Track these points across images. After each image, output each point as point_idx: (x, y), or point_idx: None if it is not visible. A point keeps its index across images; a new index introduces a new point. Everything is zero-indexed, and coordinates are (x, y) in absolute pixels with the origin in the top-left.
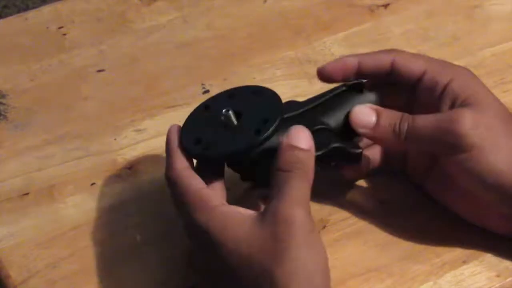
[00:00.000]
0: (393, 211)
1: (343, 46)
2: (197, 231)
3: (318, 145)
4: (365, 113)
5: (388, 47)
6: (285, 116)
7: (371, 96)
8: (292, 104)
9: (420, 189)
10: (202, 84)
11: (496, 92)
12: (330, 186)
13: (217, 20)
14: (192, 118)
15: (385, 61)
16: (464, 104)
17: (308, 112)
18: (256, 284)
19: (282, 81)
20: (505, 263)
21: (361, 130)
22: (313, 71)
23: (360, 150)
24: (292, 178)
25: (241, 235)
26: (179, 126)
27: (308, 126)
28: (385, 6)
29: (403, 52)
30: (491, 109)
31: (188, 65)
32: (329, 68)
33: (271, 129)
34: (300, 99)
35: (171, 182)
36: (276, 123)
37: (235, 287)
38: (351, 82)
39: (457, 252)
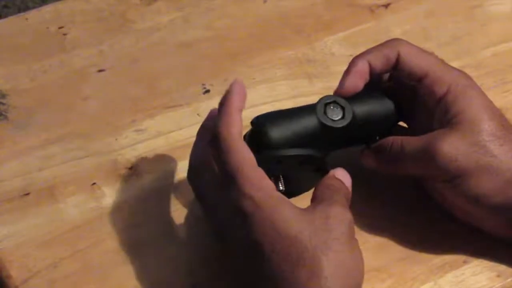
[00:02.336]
0: (393, 211)
1: (343, 46)
2: (246, 205)
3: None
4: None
5: None
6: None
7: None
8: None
9: (421, 188)
10: (203, 84)
11: (496, 92)
12: None
13: (217, 20)
14: None
15: (392, 56)
16: (452, 122)
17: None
18: (296, 265)
19: (282, 81)
20: (506, 263)
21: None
22: (314, 71)
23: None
24: (344, 192)
25: (292, 217)
26: (243, 84)
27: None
28: (386, 6)
29: (407, 44)
30: (478, 127)
31: (188, 65)
32: (350, 84)
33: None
34: (300, 99)
35: (224, 144)
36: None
37: (273, 265)
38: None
39: (458, 252)
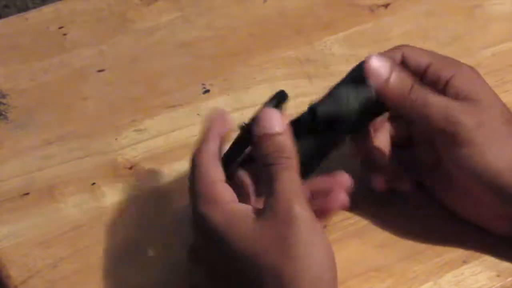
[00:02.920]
0: (393, 211)
1: (343, 46)
2: (203, 223)
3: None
4: (380, 63)
5: (388, 47)
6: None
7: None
8: None
9: (421, 188)
10: (203, 84)
11: (496, 92)
12: None
13: (217, 20)
14: None
15: (397, 57)
16: (467, 99)
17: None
18: (261, 282)
19: (282, 81)
20: (506, 263)
21: (373, 78)
22: (314, 71)
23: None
24: (278, 171)
25: (245, 233)
26: (227, 113)
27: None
28: (386, 6)
29: (411, 46)
30: (493, 108)
31: (188, 65)
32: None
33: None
34: (301, 99)
35: (193, 164)
36: None
37: (239, 283)
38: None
39: (458, 252)
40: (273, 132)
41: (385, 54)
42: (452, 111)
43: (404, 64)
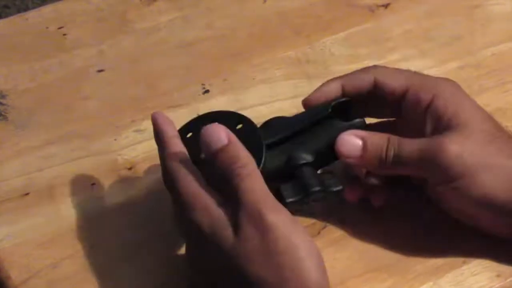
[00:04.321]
0: (394, 211)
1: (343, 46)
2: (191, 229)
3: (298, 188)
4: (351, 142)
5: (388, 47)
6: (267, 142)
7: (356, 121)
8: (274, 124)
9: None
10: (202, 84)
11: (496, 92)
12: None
13: (217, 20)
14: None
15: (366, 80)
16: (448, 126)
17: (291, 139)
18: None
19: (282, 81)
20: (506, 263)
21: (347, 160)
22: (313, 71)
23: (341, 187)
24: (239, 183)
25: (226, 247)
26: (162, 113)
27: (290, 160)
28: (386, 6)
29: (384, 68)
30: (477, 129)
31: (188, 65)
32: (314, 98)
33: (261, 166)
34: (300, 99)
35: (169, 171)
36: (263, 160)
37: (228, 286)
38: (335, 102)
39: (458, 252)
40: (219, 146)
41: (355, 76)
42: (430, 154)
43: (377, 90)
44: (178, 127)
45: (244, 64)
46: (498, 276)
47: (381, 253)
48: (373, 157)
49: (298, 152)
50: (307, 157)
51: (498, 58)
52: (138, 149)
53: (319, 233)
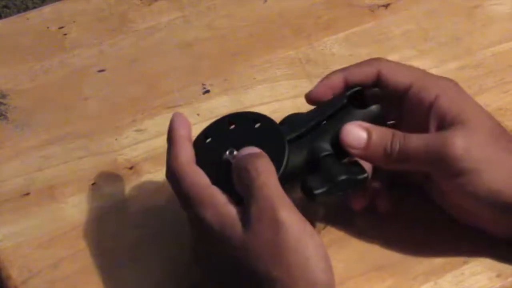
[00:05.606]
0: (394, 211)
1: (343, 46)
2: (198, 224)
3: (325, 178)
4: (355, 133)
5: (388, 47)
6: (288, 138)
7: (373, 107)
8: (291, 120)
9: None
10: (203, 84)
11: (496, 92)
12: None
13: (217, 20)
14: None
15: (370, 73)
16: (453, 123)
17: (311, 132)
18: (258, 285)
19: (282, 81)
20: (506, 263)
21: (352, 151)
22: (314, 71)
23: (366, 174)
24: (253, 179)
25: (235, 242)
26: (183, 114)
27: (313, 152)
28: (386, 6)
29: (387, 62)
30: (481, 126)
31: (188, 65)
32: (317, 92)
33: (282, 169)
34: (301, 99)
35: (175, 174)
36: (286, 156)
37: (237, 283)
38: (350, 92)
39: (458, 252)
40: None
41: (358, 68)
42: (437, 148)
43: (380, 84)
44: None
45: (244, 64)
46: (498, 276)
47: (382, 253)
48: (378, 149)
49: (319, 144)
50: (329, 148)
51: (498, 58)
52: (139, 149)
53: (319, 233)
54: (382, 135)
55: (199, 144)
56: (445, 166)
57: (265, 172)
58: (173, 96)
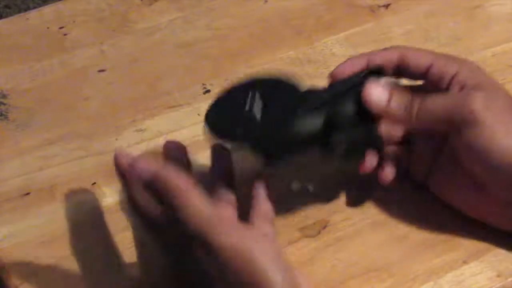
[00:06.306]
0: (393, 211)
1: (344, 46)
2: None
3: (344, 135)
4: (377, 91)
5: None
6: (304, 108)
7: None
8: (309, 93)
9: (423, 187)
10: (203, 84)
11: None
12: (330, 187)
13: (218, 20)
14: (216, 109)
15: (392, 57)
16: (474, 89)
17: (331, 101)
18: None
19: None
20: (506, 263)
21: (374, 107)
22: (314, 71)
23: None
24: (178, 206)
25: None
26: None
27: (333, 118)
28: (386, 6)
29: (407, 47)
30: (500, 96)
31: (189, 65)
32: (339, 71)
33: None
34: None
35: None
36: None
37: None
38: (371, 67)
39: (458, 252)
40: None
41: (380, 53)
42: (457, 102)
43: (402, 66)
44: (178, 127)
45: (245, 64)
46: (498, 276)
47: (381, 253)
48: (399, 106)
49: (339, 109)
50: (350, 114)
51: (498, 58)
52: (139, 149)
53: (319, 233)
54: (403, 93)
55: (221, 100)
56: (463, 117)
57: (187, 198)
58: (174, 96)
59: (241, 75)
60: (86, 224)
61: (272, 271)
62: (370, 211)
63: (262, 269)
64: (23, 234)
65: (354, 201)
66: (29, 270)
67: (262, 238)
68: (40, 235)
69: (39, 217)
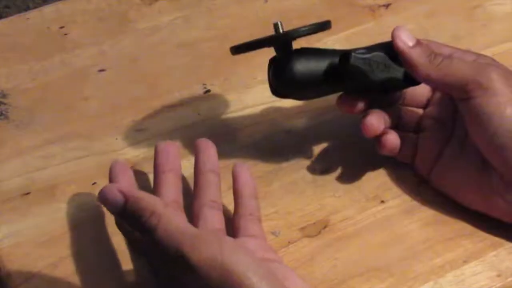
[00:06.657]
0: (394, 211)
1: (344, 46)
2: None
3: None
4: (407, 33)
5: None
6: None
7: None
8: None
9: (421, 188)
10: (203, 84)
11: None
12: (330, 186)
13: (218, 20)
14: None
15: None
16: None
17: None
18: None
19: None
20: (506, 262)
21: (400, 46)
22: None
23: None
24: (153, 231)
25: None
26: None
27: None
28: (386, 6)
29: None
30: None
31: (189, 65)
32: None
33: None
34: None
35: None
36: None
37: None
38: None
39: (458, 252)
40: (119, 208)
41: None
42: (481, 67)
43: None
44: (178, 127)
45: (245, 64)
46: (498, 276)
47: (381, 253)
48: (424, 52)
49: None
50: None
51: (499, 58)
52: (139, 149)
53: (319, 232)
54: (429, 44)
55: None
56: (482, 81)
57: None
58: (174, 95)
59: (241, 75)
60: (87, 224)
61: (255, 279)
62: (370, 211)
63: (243, 279)
64: (23, 234)
65: (354, 201)
66: (29, 270)
67: (239, 249)
68: (40, 235)
69: (39, 216)
